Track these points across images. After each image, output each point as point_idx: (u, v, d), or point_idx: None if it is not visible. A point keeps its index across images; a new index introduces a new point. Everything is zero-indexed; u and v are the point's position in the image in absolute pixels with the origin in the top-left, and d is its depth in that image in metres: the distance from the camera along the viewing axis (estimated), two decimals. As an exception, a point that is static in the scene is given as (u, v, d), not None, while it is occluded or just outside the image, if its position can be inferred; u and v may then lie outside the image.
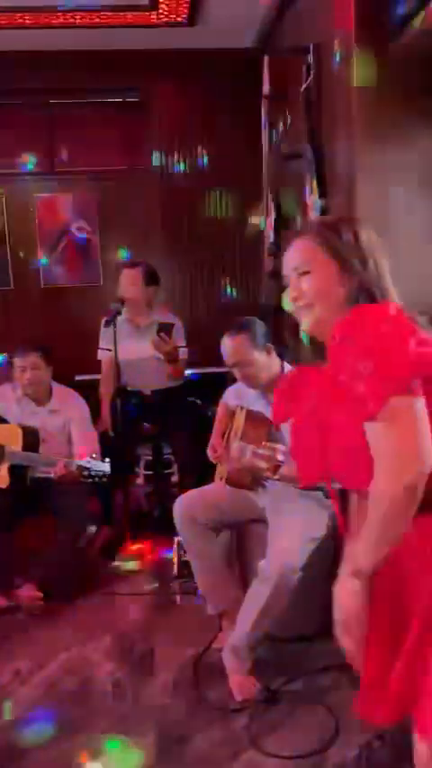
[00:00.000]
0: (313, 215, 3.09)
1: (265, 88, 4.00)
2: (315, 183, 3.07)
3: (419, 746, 1.28)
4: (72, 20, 3.92)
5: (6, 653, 2.45)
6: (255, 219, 4.52)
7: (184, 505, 2.44)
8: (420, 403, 1.12)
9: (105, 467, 2.77)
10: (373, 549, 1.17)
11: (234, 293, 4.81)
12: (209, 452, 2.60)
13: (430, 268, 2.76)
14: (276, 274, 4.12)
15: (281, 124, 3.92)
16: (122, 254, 4.56)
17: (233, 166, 4.64)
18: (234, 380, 2.68)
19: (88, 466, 2.76)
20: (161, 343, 3.25)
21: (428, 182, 2.72)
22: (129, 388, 3.39)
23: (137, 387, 3.46)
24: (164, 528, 3.10)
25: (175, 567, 3.00)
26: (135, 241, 4.67)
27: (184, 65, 4.44)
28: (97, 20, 3.94)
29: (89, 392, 3.44)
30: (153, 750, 1.93)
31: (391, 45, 2.52)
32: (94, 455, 2.83)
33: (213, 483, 2.57)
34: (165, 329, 3.26)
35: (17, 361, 3.03)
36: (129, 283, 3.39)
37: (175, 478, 3.78)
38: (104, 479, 2.78)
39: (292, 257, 1.36)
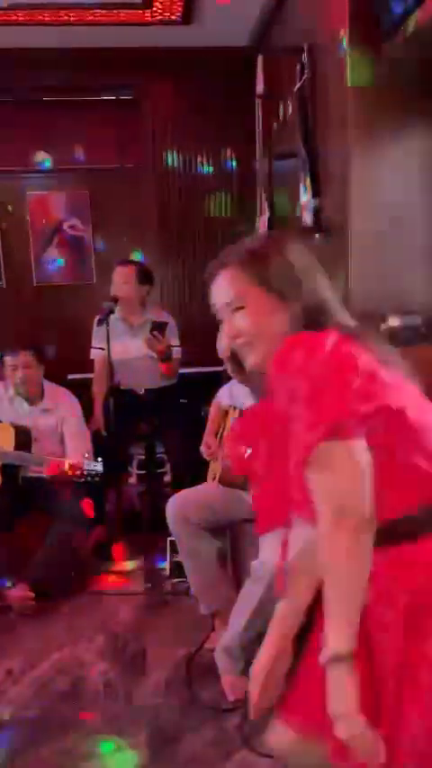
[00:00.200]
0: (307, 214, 3.09)
1: (260, 87, 4.01)
2: (309, 182, 3.07)
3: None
4: (66, 17, 3.91)
5: (-3, 653, 2.44)
6: (249, 218, 4.52)
7: (176, 505, 2.43)
8: (358, 445, 1.02)
9: (98, 466, 2.76)
10: (339, 623, 1.03)
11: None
12: (202, 450, 2.60)
13: (422, 268, 2.77)
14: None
15: (275, 123, 3.91)
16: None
17: (227, 165, 4.64)
18: (228, 379, 2.68)
19: (80, 465, 2.75)
20: (154, 341, 3.24)
21: (423, 181, 2.73)
22: (122, 388, 3.38)
23: (130, 386, 3.45)
24: (156, 528, 3.09)
25: (168, 566, 3.00)
26: (128, 239, 4.66)
27: (178, 63, 4.43)
28: (91, 18, 3.92)
29: (82, 391, 3.43)
30: (145, 750, 1.92)
31: (386, 45, 2.52)
32: (86, 454, 2.82)
33: (206, 482, 2.57)
34: (158, 328, 3.26)
35: (9, 360, 3.02)
36: (122, 282, 3.38)
37: (167, 478, 3.77)
38: (97, 479, 2.77)
39: (222, 291, 1.25)
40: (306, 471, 1.03)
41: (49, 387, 3.16)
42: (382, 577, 1.05)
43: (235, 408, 2.47)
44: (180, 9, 3.87)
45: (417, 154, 2.71)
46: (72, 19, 3.93)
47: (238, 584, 2.34)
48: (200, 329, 4.25)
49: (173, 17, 3.97)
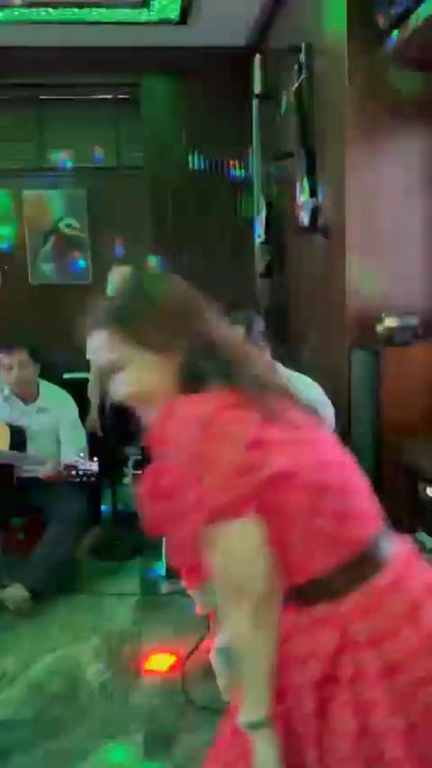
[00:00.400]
0: (305, 214, 3.09)
1: (257, 87, 4.00)
2: (306, 182, 3.07)
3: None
4: (63, 16, 3.90)
5: (-7, 653, 2.43)
6: (246, 218, 4.52)
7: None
8: (247, 523, 0.96)
9: (93, 466, 2.75)
10: (248, 694, 1.01)
11: (225, 292, 4.80)
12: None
13: (419, 268, 2.77)
14: (268, 274, 4.13)
15: (273, 123, 3.91)
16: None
17: (224, 165, 4.63)
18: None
19: (76, 465, 2.74)
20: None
21: (421, 182, 2.73)
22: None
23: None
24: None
25: (164, 566, 2.99)
26: (125, 239, 4.65)
27: (176, 63, 4.43)
28: (89, 16, 3.92)
29: (78, 391, 3.42)
30: (141, 750, 1.92)
31: (384, 45, 2.52)
32: (81, 454, 2.81)
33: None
34: None
35: (3, 359, 3.00)
36: (117, 282, 3.37)
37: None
38: (93, 479, 2.77)
39: (99, 353, 1.16)
40: (199, 549, 0.98)
41: (44, 386, 3.16)
42: (298, 639, 1.02)
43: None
44: (178, 9, 3.87)
45: (414, 154, 2.71)
46: (71, 17, 3.93)
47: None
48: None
49: (171, 16, 3.97)
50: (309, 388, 2.37)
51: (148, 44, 4.28)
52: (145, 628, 2.60)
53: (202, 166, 4.66)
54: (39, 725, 2.04)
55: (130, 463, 4.12)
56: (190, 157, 4.65)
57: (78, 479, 2.76)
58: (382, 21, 2.43)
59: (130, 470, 4.14)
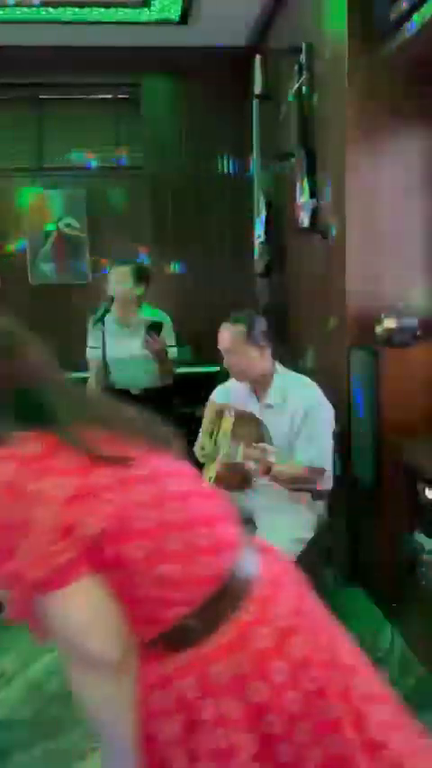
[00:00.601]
0: (305, 215, 3.09)
1: (257, 87, 4.00)
2: (306, 183, 3.07)
3: None
4: (64, 15, 3.90)
5: (-9, 653, 2.43)
6: (246, 219, 4.52)
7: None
8: (76, 589, 0.87)
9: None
10: (107, 752, 0.98)
11: (225, 292, 4.80)
12: (196, 451, 2.58)
13: (419, 269, 2.77)
14: (267, 274, 4.13)
15: (273, 124, 3.91)
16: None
17: (224, 165, 4.64)
18: (223, 380, 2.67)
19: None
20: (150, 342, 3.23)
21: (421, 183, 2.73)
22: (117, 387, 3.37)
23: (125, 386, 3.43)
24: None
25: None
26: (124, 239, 4.65)
27: (176, 62, 4.43)
28: (89, 16, 3.92)
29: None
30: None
31: (384, 46, 2.52)
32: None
33: (202, 483, 2.56)
34: (153, 328, 3.24)
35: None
36: (118, 282, 3.36)
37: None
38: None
39: None
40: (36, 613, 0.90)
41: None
42: (161, 692, 0.95)
43: (230, 409, 2.46)
44: (178, 8, 3.87)
45: (414, 155, 2.71)
46: (71, 17, 3.93)
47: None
48: (196, 330, 4.26)
49: (171, 16, 3.97)
50: (306, 389, 2.37)
51: (148, 44, 4.28)
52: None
53: (202, 167, 4.66)
54: (37, 725, 2.04)
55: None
56: (190, 158, 4.65)
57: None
58: (382, 21, 2.44)
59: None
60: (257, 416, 2.38)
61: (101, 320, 3.18)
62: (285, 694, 0.93)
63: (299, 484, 2.30)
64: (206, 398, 2.74)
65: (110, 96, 4.71)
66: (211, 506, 1.03)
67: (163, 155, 4.64)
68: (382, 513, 2.60)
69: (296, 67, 3.17)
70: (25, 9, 3.80)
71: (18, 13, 3.85)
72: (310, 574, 2.40)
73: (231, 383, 2.59)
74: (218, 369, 3.91)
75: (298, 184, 3.15)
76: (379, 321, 2.59)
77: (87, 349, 3.51)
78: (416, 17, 2.23)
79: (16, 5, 3.74)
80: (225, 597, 0.96)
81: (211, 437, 2.59)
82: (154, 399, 3.47)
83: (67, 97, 4.65)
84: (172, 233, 4.71)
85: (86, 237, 4.65)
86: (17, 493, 0.86)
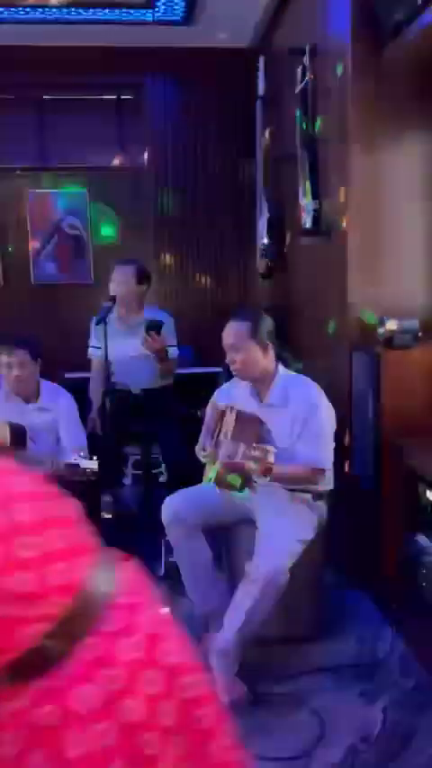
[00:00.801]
0: (307, 217, 3.09)
1: (261, 89, 4.01)
2: (309, 184, 3.07)
3: None
4: (67, 15, 3.91)
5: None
6: (248, 220, 4.52)
7: (172, 506, 2.43)
8: None
9: (93, 465, 2.75)
10: None
11: (226, 293, 4.81)
12: (197, 451, 2.59)
13: (420, 271, 2.78)
14: (269, 275, 4.13)
15: (275, 125, 3.92)
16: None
17: (227, 166, 4.64)
18: (225, 380, 2.68)
19: (76, 464, 2.73)
20: (150, 341, 3.23)
21: (423, 185, 2.73)
22: (118, 387, 3.37)
23: (126, 386, 3.44)
24: (151, 528, 3.08)
25: (162, 567, 2.99)
26: (127, 239, 4.66)
27: (179, 63, 4.43)
28: (93, 16, 3.93)
29: (79, 391, 3.41)
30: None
31: (388, 48, 2.52)
32: (81, 453, 2.80)
33: (202, 484, 2.56)
34: (153, 328, 3.24)
35: (3, 358, 3.00)
36: (120, 281, 3.37)
37: (163, 479, 3.76)
38: (93, 477, 2.76)
39: None
40: None
41: (45, 385, 3.15)
42: (13, 730, 0.81)
43: (232, 409, 2.46)
44: (182, 9, 3.88)
45: (417, 157, 2.72)
46: (75, 17, 3.94)
47: (232, 586, 2.33)
48: (197, 330, 4.26)
49: (175, 18, 3.98)
50: (308, 389, 2.37)
51: (152, 45, 4.29)
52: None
53: (205, 167, 4.67)
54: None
55: (130, 463, 4.12)
56: (192, 158, 4.65)
57: (78, 479, 2.75)
58: (385, 24, 2.44)
59: (129, 470, 4.14)
60: (258, 416, 2.38)
61: (103, 320, 3.18)
62: (159, 707, 0.85)
63: (299, 484, 2.30)
64: (207, 399, 2.74)
65: (113, 97, 4.72)
66: (57, 509, 0.92)
67: (165, 155, 4.65)
68: (382, 514, 2.60)
69: (299, 69, 3.17)
70: (29, 9, 3.81)
71: (22, 13, 3.86)
72: (311, 575, 2.40)
73: (233, 384, 2.59)
74: (219, 369, 3.92)
75: (300, 186, 3.15)
76: (381, 323, 2.60)
77: (89, 349, 3.52)
78: (420, 19, 2.23)
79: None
80: (78, 613, 0.84)
81: (212, 438, 2.60)
82: (154, 399, 3.48)
83: (70, 97, 4.66)
84: (174, 233, 4.72)
85: (89, 237, 4.66)
86: None
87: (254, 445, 2.04)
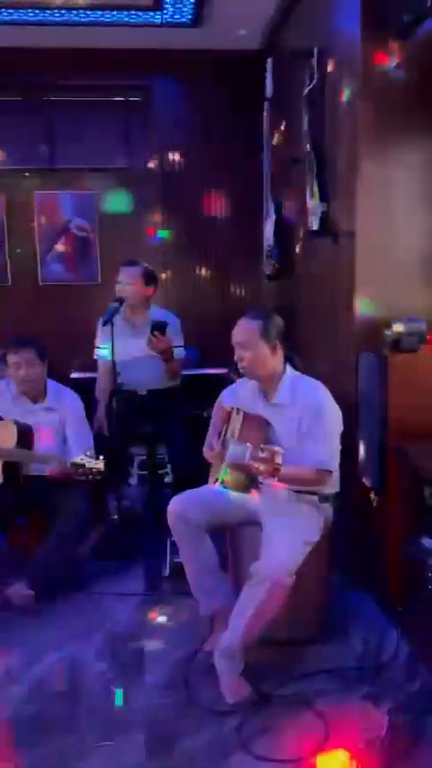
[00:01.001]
0: (314, 219, 3.09)
1: (268, 90, 4.01)
2: (316, 186, 3.07)
3: None
4: (76, 17, 3.93)
5: (-4, 651, 2.44)
6: (255, 221, 4.52)
7: (177, 506, 2.43)
8: None
9: (100, 464, 2.76)
10: None
11: (233, 294, 4.81)
12: (204, 451, 2.59)
13: (428, 274, 2.77)
14: (276, 277, 4.13)
15: (283, 127, 3.92)
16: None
17: (234, 168, 4.64)
18: (232, 381, 2.68)
19: (82, 463, 2.74)
20: (154, 342, 3.24)
21: (431, 185, 2.73)
22: (124, 388, 3.38)
23: (132, 386, 3.45)
24: (157, 528, 3.09)
25: (167, 567, 2.99)
26: (134, 240, 4.67)
27: (187, 65, 4.45)
28: (102, 18, 3.94)
29: (85, 391, 3.43)
30: (142, 750, 1.92)
31: (397, 50, 2.52)
32: (88, 453, 2.81)
33: (208, 484, 2.56)
34: (158, 328, 3.25)
35: (11, 358, 3.01)
36: (127, 282, 3.38)
37: (168, 479, 3.77)
38: (99, 477, 2.77)
39: None
40: None
41: (52, 385, 3.16)
42: None
43: (238, 411, 2.46)
44: (190, 11, 3.89)
45: (426, 159, 2.71)
46: (83, 19, 3.95)
47: (237, 587, 2.33)
48: (205, 331, 4.27)
49: (183, 19, 3.99)
50: (315, 390, 2.36)
51: (160, 46, 4.30)
52: (148, 628, 2.60)
53: (213, 169, 4.68)
54: (41, 723, 2.04)
55: (136, 464, 4.13)
56: (200, 160, 4.66)
57: (84, 478, 2.76)
58: (395, 26, 2.44)
59: (135, 470, 4.15)
60: (265, 418, 2.38)
61: (110, 321, 3.19)
62: None
63: (306, 486, 2.30)
64: (213, 400, 2.75)
65: (121, 98, 4.73)
66: None
67: (174, 156, 4.66)
68: (388, 516, 2.60)
69: (308, 70, 3.17)
70: (38, 11, 3.83)
71: (31, 15, 3.88)
72: (316, 576, 2.40)
73: (239, 384, 2.59)
74: (225, 370, 3.93)
75: (308, 187, 3.15)
76: (388, 325, 2.59)
77: (96, 349, 3.53)
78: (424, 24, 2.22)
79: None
80: None
81: (219, 438, 2.60)
82: (160, 400, 3.48)
83: (79, 99, 4.67)
84: (181, 234, 4.72)
85: (97, 238, 4.67)
86: None
87: (261, 446, 2.04)
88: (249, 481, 2.23)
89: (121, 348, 3.24)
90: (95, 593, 2.91)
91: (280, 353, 2.36)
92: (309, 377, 2.44)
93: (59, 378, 3.30)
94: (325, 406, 2.31)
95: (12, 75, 4.42)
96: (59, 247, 4.68)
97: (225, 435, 2.53)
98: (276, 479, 2.09)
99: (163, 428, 3.47)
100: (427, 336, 2.57)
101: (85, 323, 3.73)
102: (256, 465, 2.03)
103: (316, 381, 2.41)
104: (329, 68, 3.04)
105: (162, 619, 2.68)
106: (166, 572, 2.99)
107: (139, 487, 4.05)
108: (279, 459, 2.02)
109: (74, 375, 4.21)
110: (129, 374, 3.37)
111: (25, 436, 2.97)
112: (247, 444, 2.06)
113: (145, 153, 4.71)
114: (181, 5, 3.83)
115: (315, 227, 3.09)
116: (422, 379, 2.57)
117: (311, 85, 3.15)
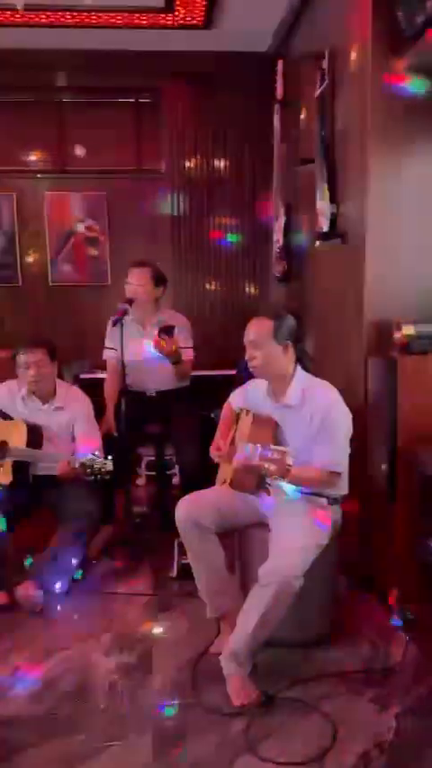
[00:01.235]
0: (324, 220, 3.09)
1: (279, 92, 4.01)
2: (326, 188, 3.07)
3: None
4: (88, 20, 3.94)
5: (5, 651, 2.44)
6: (266, 223, 4.52)
7: (186, 507, 2.43)
8: None
9: (108, 464, 2.76)
10: None
11: (243, 296, 4.81)
12: (212, 452, 2.59)
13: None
14: (285, 279, 4.13)
15: (293, 129, 3.91)
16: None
17: (244, 169, 4.65)
18: (241, 383, 2.67)
19: (91, 463, 2.75)
20: (161, 343, 3.23)
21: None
22: (133, 389, 3.38)
23: (141, 387, 3.45)
24: (165, 529, 3.09)
25: (175, 568, 2.99)
26: (144, 241, 4.68)
27: (198, 67, 4.46)
28: (113, 20, 3.96)
29: (94, 391, 3.43)
30: (149, 751, 1.92)
31: (408, 53, 2.51)
32: (96, 452, 2.82)
33: (216, 485, 2.56)
34: (166, 330, 3.25)
35: (22, 358, 3.02)
36: (137, 283, 3.38)
37: (176, 480, 3.77)
38: (107, 477, 2.77)
39: None
40: None
41: (61, 385, 3.17)
42: None
43: (248, 412, 2.46)
44: (202, 13, 3.90)
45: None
46: (94, 21, 3.97)
47: (245, 589, 2.33)
48: (214, 332, 4.27)
49: (194, 21, 4.00)
50: (325, 392, 2.35)
51: (171, 48, 4.31)
52: (156, 628, 2.60)
53: (223, 170, 4.68)
54: (49, 723, 2.05)
55: (144, 464, 4.13)
56: (210, 162, 4.67)
57: (93, 478, 2.77)
58: (406, 29, 2.43)
59: (143, 471, 4.16)
60: (274, 419, 2.37)
61: (119, 321, 3.20)
62: None
63: (315, 487, 2.29)
64: (222, 401, 2.74)
65: (132, 100, 4.74)
66: None
67: (184, 158, 4.67)
68: (397, 519, 2.59)
69: (319, 73, 3.17)
70: (50, 13, 3.84)
71: (42, 17, 3.89)
72: (325, 579, 2.39)
73: (249, 386, 2.59)
74: (233, 372, 3.93)
75: (318, 189, 3.15)
76: (398, 327, 2.59)
77: (105, 350, 3.54)
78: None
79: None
80: None
81: (227, 439, 2.60)
82: (169, 401, 3.48)
83: (89, 100, 4.69)
84: (191, 236, 4.73)
85: (106, 239, 4.69)
86: None
87: (271, 447, 2.04)
88: (257, 482, 2.22)
89: (131, 349, 3.24)
90: (103, 593, 2.91)
91: (291, 354, 2.35)
92: (319, 378, 2.43)
93: (69, 378, 3.31)
94: (335, 408, 2.30)
95: (23, 77, 4.44)
96: (70, 248, 4.69)
97: (234, 436, 2.53)
98: (286, 480, 2.08)
99: (171, 429, 3.47)
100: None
101: (94, 323, 3.74)
102: (266, 465, 2.02)
103: (326, 383, 2.40)
104: (340, 70, 3.03)
105: (169, 620, 2.68)
106: (174, 573, 3.00)
107: (146, 488, 4.05)
108: (289, 460, 2.01)
109: (82, 375, 4.22)
110: (137, 375, 3.37)
111: (35, 436, 2.99)
112: (257, 445, 2.05)
113: (155, 154, 4.72)
114: (192, 8, 3.83)
115: (325, 228, 3.09)
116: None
117: (322, 87, 3.15)
